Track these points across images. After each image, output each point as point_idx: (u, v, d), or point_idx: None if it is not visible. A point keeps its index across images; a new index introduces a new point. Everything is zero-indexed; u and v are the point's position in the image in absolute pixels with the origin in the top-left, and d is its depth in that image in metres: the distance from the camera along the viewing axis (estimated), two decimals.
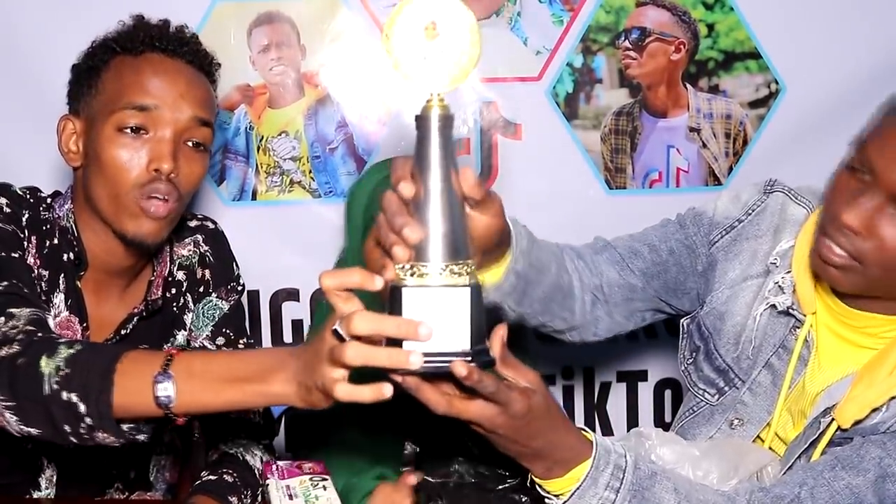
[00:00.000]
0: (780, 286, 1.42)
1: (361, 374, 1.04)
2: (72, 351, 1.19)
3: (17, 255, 1.43)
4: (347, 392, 1.03)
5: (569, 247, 1.52)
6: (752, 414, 1.44)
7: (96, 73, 1.50)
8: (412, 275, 1.03)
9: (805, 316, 1.40)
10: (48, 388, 1.16)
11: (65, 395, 1.16)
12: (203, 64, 1.54)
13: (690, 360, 1.54)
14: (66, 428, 1.18)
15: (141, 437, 1.21)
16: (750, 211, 1.49)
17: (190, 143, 1.49)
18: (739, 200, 1.51)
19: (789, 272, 1.41)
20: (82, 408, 1.15)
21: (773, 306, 1.42)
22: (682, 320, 1.57)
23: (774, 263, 1.43)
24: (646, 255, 1.52)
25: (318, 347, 1.07)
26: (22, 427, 1.20)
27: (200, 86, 1.52)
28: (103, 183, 1.47)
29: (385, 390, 1.01)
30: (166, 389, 1.14)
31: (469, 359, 1.02)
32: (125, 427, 1.18)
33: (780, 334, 1.42)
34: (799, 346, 1.40)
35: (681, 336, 1.57)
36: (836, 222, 1.29)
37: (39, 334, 1.26)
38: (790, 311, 1.41)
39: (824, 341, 1.39)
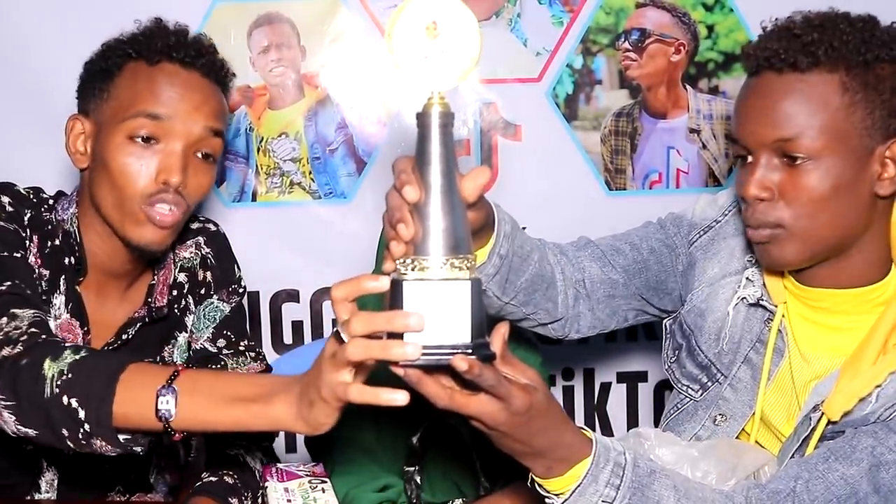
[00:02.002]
0: (749, 279, 1.45)
1: (374, 382, 1.05)
2: (77, 357, 1.19)
3: (19, 255, 1.43)
4: (360, 392, 1.03)
5: (551, 242, 1.54)
6: (734, 409, 1.46)
7: (109, 77, 1.49)
8: (413, 268, 1.04)
9: (776, 307, 1.42)
10: (49, 391, 1.17)
11: (65, 399, 1.16)
12: (218, 76, 1.52)
13: (673, 359, 1.57)
14: (64, 432, 1.18)
15: (137, 449, 1.21)
16: (726, 211, 1.53)
17: (200, 155, 1.48)
18: (717, 203, 1.56)
19: (758, 266, 1.45)
20: (82, 413, 1.16)
21: (744, 299, 1.45)
22: (664, 321, 1.60)
23: (750, 260, 1.46)
24: (627, 252, 1.55)
25: (319, 358, 1.07)
26: (19, 427, 1.21)
27: (214, 98, 1.50)
28: (109, 190, 1.46)
29: (398, 396, 1.02)
30: (168, 403, 1.14)
31: (469, 352, 1.02)
32: (122, 437, 1.18)
33: (756, 329, 1.45)
34: (773, 338, 1.42)
35: (663, 336, 1.60)
36: (745, 203, 1.35)
37: (43, 336, 1.26)
38: (761, 302, 1.44)
39: (800, 330, 1.42)
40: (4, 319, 1.28)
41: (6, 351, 1.22)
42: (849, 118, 1.28)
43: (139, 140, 1.44)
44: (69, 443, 1.19)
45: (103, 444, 1.18)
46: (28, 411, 1.19)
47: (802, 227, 1.31)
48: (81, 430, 1.17)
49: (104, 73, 1.49)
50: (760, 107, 1.32)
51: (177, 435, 1.17)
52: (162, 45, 1.47)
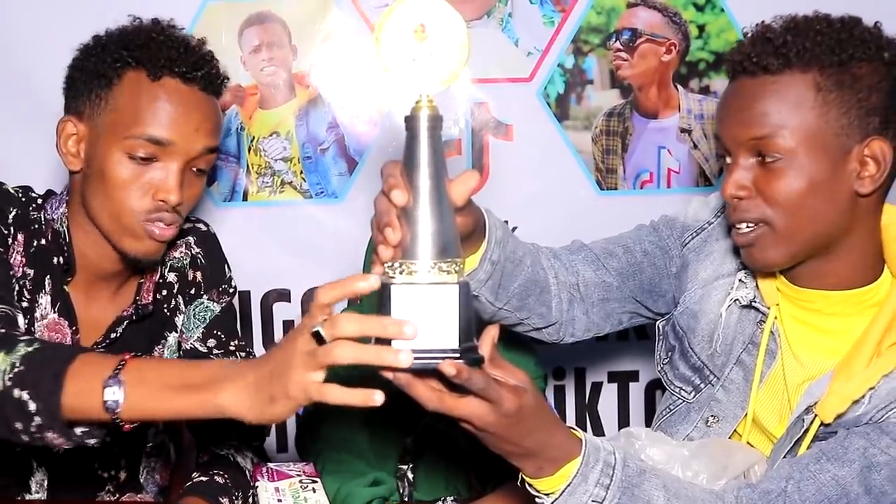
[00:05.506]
0: (742, 281, 1.46)
1: (346, 379, 1.04)
2: (29, 349, 1.18)
3: None
4: (338, 393, 1.03)
5: (544, 246, 1.54)
6: (726, 411, 1.46)
7: (108, 85, 1.46)
8: (401, 272, 1.04)
9: (768, 308, 1.43)
10: (2, 385, 1.15)
11: (16, 392, 1.14)
12: (216, 87, 1.52)
13: (666, 360, 1.57)
14: (18, 426, 1.16)
15: (91, 442, 1.19)
16: (719, 213, 1.53)
17: (195, 170, 1.49)
18: (709, 205, 1.56)
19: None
20: (32, 406, 1.14)
21: (737, 301, 1.45)
22: (657, 322, 1.60)
23: (742, 261, 1.46)
24: (620, 255, 1.55)
25: (286, 354, 1.05)
26: None
27: (213, 114, 1.50)
28: (104, 201, 1.45)
29: (376, 397, 1.01)
30: (114, 394, 1.12)
31: (457, 356, 1.02)
32: (77, 430, 1.17)
33: (748, 331, 1.45)
34: (765, 340, 1.43)
35: (656, 338, 1.60)
36: (727, 204, 1.36)
37: (2, 330, 1.25)
38: (753, 304, 1.44)
39: (793, 332, 1.42)
40: None
41: None
42: (823, 117, 1.29)
43: (138, 159, 1.44)
44: (23, 437, 1.17)
45: (56, 436, 1.16)
46: None
47: (784, 224, 1.32)
48: (33, 424, 1.15)
49: (102, 79, 1.46)
50: (737, 108, 1.34)
51: (126, 426, 1.15)
52: (165, 59, 1.45)
